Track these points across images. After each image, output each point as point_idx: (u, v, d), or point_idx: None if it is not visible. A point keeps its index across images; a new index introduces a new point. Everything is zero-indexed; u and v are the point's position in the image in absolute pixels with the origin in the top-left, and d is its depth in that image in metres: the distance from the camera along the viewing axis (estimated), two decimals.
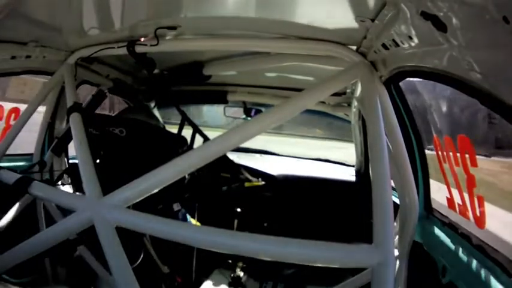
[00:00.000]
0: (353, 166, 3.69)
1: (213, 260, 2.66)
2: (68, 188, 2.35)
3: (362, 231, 2.82)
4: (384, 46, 1.48)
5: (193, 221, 2.57)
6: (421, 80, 1.78)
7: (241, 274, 2.68)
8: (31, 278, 2.34)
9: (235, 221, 2.90)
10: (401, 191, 1.73)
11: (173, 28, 1.77)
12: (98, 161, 1.95)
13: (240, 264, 2.72)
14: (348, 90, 2.68)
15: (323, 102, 2.96)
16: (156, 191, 1.50)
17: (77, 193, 1.94)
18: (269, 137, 4.72)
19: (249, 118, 3.20)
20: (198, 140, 2.72)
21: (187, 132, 2.65)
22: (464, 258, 1.37)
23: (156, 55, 2.08)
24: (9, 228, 2.06)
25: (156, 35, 1.81)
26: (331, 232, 3.41)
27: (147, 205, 1.62)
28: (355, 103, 2.57)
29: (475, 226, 1.36)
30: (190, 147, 2.49)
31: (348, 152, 3.74)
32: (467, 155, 1.31)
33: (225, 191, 2.81)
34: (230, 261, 2.71)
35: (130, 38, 1.92)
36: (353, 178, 3.52)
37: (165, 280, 2.20)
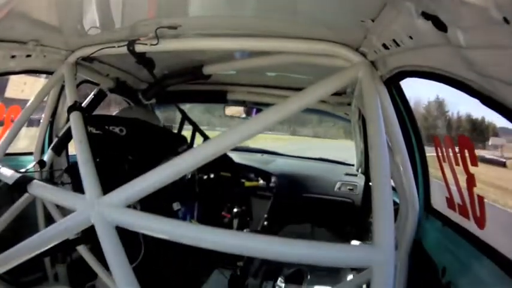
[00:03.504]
0: (353, 165, 3.70)
1: (213, 259, 2.66)
2: (68, 187, 2.36)
3: (362, 230, 2.84)
4: (384, 46, 1.48)
5: (193, 221, 2.58)
6: None
7: (241, 274, 2.68)
8: (31, 278, 2.34)
9: (235, 221, 2.90)
10: (401, 191, 1.73)
11: (173, 28, 1.77)
12: (98, 160, 1.96)
13: (240, 263, 2.72)
14: (348, 90, 2.68)
15: (323, 102, 2.96)
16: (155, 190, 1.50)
17: (77, 192, 1.95)
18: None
19: (249, 117, 3.20)
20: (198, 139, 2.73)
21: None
22: (464, 258, 1.37)
23: (156, 54, 2.08)
24: (9, 228, 2.06)
25: (157, 34, 1.81)
26: (332, 231, 3.43)
27: (146, 204, 1.62)
28: (355, 102, 2.57)
29: (475, 226, 1.36)
30: (190, 146, 2.49)
31: None
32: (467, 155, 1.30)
33: (225, 190, 2.81)
34: (230, 261, 2.72)
35: (131, 37, 1.91)
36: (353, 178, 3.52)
37: (165, 280, 2.20)
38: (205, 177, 2.57)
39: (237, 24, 1.77)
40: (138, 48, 1.92)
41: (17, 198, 2.14)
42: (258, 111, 3.16)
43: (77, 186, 2.01)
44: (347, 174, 3.57)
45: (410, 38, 1.25)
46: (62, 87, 2.37)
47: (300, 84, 2.66)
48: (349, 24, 1.50)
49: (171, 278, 2.24)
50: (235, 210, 2.91)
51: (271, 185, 3.42)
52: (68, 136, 2.21)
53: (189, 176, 2.41)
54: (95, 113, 2.56)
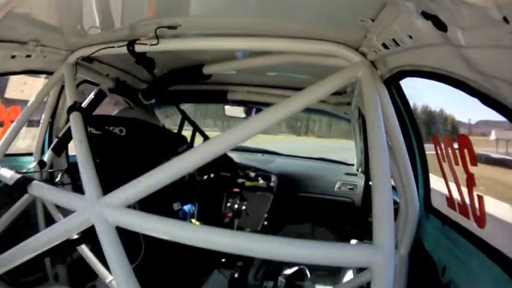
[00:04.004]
0: (353, 165, 3.70)
1: (213, 259, 2.67)
2: (68, 188, 2.36)
3: (362, 230, 2.84)
4: (384, 46, 1.48)
5: (193, 221, 2.58)
6: None
7: (241, 274, 2.68)
8: (31, 278, 2.34)
9: (236, 221, 2.90)
10: (401, 190, 1.73)
11: (173, 27, 1.77)
12: (97, 160, 1.96)
13: (240, 263, 2.73)
14: (348, 89, 2.68)
15: (323, 101, 2.96)
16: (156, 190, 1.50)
17: (77, 193, 1.95)
18: None
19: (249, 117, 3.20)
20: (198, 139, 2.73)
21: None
22: (464, 257, 1.37)
23: (156, 54, 2.08)
24: (9, 228, 2.06)
25: (156, 34, 1.81)
26: (332, 231, 3.43)
27: (147, 205, 1.62)
28: (355, 102, 2.57)
29: (475, 225, 1.36)
30: (190, 146, 2.49)
31: None
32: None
33: (225, 190, 2.81)
34: (230, 260, 2.72)
35: (131, 37, 1.91)
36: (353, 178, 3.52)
37: (165, 280, 2.20)
38: (205, 177, 2.57)
39: (237, 24, 1.77)
40: (138, 48, 1.92)
41: (17, 198, 2.14)
42: (258, 111, 3.16)
43: (77, 187, 2.01)
44: (347, 173, 3.57)
45: (410, 37, 1.25)
46: (62, 88, 2.37)
47: (300, 84, 2.66)
48: (349, 24, 1.50)
49: (171, 278, 2.24)
50: (235, 210, 2.92)
51: (271, 184, 3.42)
52: (67, 136, 2.21)
53: (189, 176, 2.42)
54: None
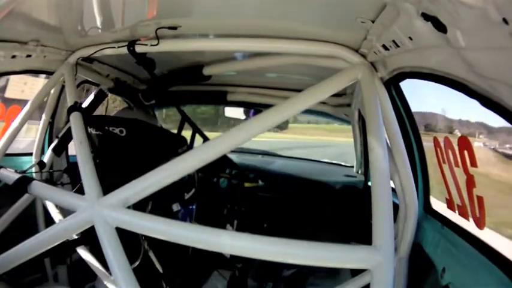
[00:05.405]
0: (352, 167, 3.70)
1: (213, 261, 2.66)
2: (68, 188, 2.36)
3: (362, 232, 2.84)
4: (384, 47, 1.48)
5: (193, 222, 2.57)
6: None
7: (241, 275, 2.67)
8: (31, 278, 2.34)
9: (235, 222, 2.90)
10: (400, 192, 1.73)
11: (173, 28, 1.78)
12: (97, 160, 1.95)
13: (240, 265, 2.73)
14: (348, 91, 2.68)
15: (323, 103, 2.96)
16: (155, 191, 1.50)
17: (77, 193, 1.94)
18: None
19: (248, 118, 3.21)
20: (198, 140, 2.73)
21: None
22: (464, 259, 1.37)
23: (157, 55, 2.09)
24: (9, 229, 2.06)
25: (157, 35, 1.81)
26: (331, 233, 3.43)
27: (146, 205, 1.62)
28: (355, 103, 2.57)
29: (475, 227, 1.36)
30: (190, 147, 2.49)
31: None
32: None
33: (224, 190, 2.81)
34: (229, 262, 2.72)
35: (131, 37, 1.92)
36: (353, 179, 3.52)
37: (164, 281, 2.20)
38: (204, 178, 2.57)
39: (238, 25, 1.77)
40: (138, 48, 1.92)
41: (17, 198, 2.14)
42: (257, 112, 3.16)
43: (77, 187, 2.01)
44: (346, 175, 3.57)
45: (410, 39, 1.25)
46: (62, 88, 2.37)
47: (300, 85, 2.66)
48: (349, 25, 1.51)
49: (171, 279, 2.24)
50: (234, 211, 2.91)
51: (271, 186, 3.42)
52: (67, 137, 2.21)
53: (189, 177, 2.41)
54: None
